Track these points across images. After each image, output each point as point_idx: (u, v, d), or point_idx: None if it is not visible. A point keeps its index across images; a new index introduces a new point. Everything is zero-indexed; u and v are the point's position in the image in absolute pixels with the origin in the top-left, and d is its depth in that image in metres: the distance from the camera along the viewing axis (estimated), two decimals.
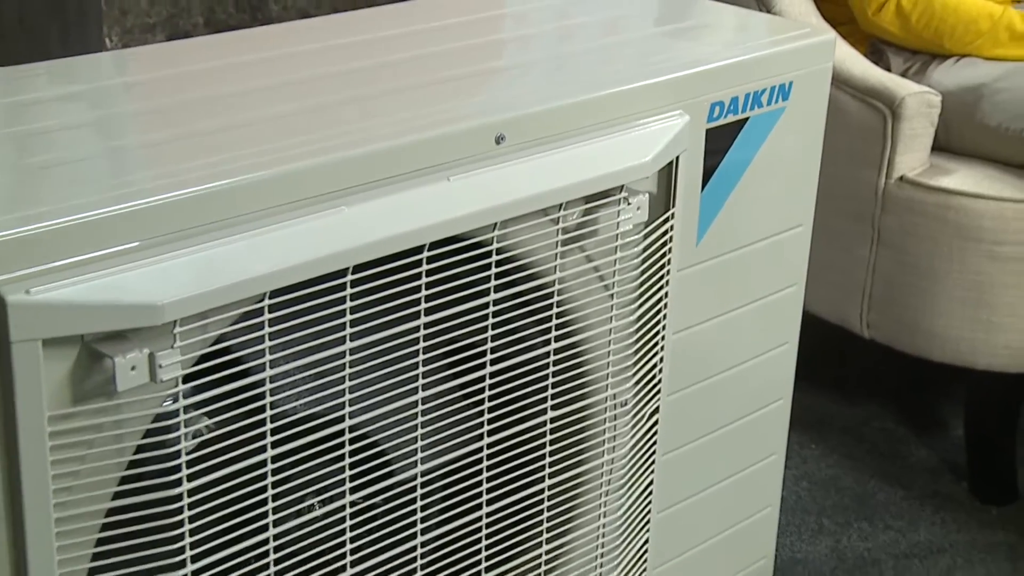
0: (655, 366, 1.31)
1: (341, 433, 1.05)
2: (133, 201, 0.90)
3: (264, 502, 1.02)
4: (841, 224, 1.85)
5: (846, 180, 1.82)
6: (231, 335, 0.98)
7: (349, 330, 1.02)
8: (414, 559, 1.15)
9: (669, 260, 1.27)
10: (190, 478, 0.96)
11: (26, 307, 0.85)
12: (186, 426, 0.95)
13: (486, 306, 1.12)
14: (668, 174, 1.24)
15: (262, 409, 0.99)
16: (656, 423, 1.34)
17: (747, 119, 1.33)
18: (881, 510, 1.87)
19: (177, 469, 0.95)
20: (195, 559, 0.98)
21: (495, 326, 1.13)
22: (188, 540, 0.97)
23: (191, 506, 0.96)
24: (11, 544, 0.90)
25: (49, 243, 0.86)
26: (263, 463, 1.01)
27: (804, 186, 1.43)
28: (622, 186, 1.18)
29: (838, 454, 2.00)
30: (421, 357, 1.08)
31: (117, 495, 0.95)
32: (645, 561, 1.39)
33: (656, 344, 1.30)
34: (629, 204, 1.19)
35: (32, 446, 0.88)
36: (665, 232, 1.26)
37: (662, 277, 1.27)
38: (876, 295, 1.84)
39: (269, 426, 0.99)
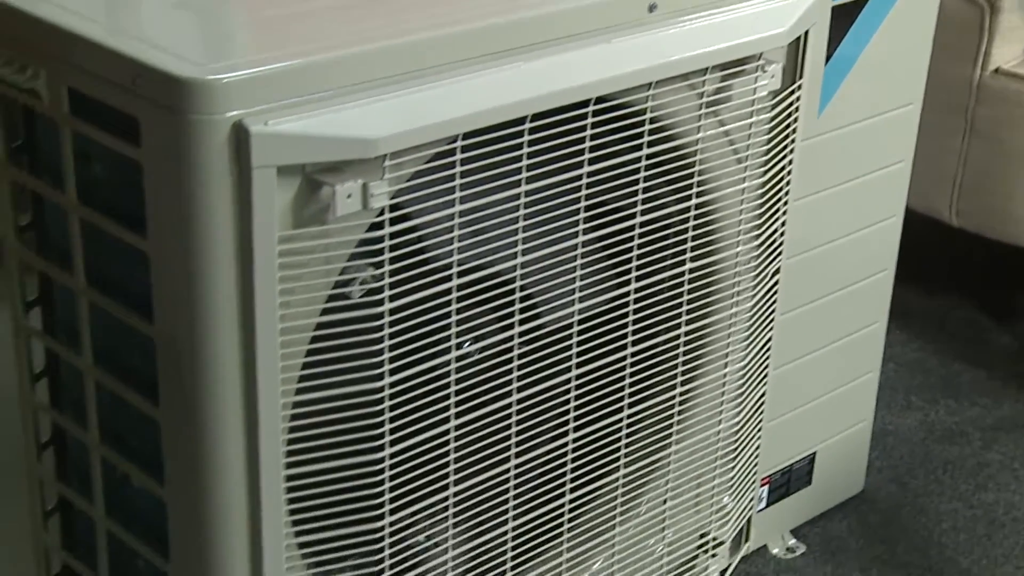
0: (777, 230, 1.42)
1: (513, 269, 1.18)
2: (357, 47, 1.02)
3: (449, 326, 1.14)
4: (933, 117, 1.94)
5: (940, 73, 1.90)
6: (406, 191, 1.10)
7: (526, 174, 1.14)
8: (568, 391, 1.27)
9: (795, 129, 1.38)
10: (392, 298, 1.08)
11: (265, 137, 0.97)
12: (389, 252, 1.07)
13: (637, 160, 1.23)
14: (797, 47, 1.34)
15: (450, 242, 1.12)
16: (776, 283, 1.45)
17: (868, 1, 1.43)
18: (966, 389, 1.98)
19: (380, 291, 1.08)
20: (391, 372, 1.11)
21: (645, 180, 1.24)
22: (387, 355, 1.10)
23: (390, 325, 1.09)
24: (242, 346, 1.03)
25: (284, 82, 0.98)
26: (449, 291, 1.13)
27: (916, 66, 1.53)
28: (760, 54, 1.28)
29: (922, 340, 2.10)
30: (583, 203, 1.20)
31: (325, 311, 1.07)
32: (762, 413, 1.51)
33: (779, 209, 1.41)
34: (765, 72, 1.29)
35: (265, 263, 1.00)
36: (792, 102, 1.36)
37: (788, 145, 1.38)
38: (967, 184, 1.94)
39: (456, 257, 1.12)
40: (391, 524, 1.16)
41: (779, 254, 1.44)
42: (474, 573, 1.28)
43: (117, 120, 0.99)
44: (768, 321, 1.46)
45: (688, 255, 1.32)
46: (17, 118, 1.11)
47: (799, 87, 1.36)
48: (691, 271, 1.34)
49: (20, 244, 1.16)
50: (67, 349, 1.17)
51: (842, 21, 1.41)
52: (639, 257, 1.28)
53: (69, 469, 1.26)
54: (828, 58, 1.41)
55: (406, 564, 1.22)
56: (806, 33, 1.34)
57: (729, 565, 1.52)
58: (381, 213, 1.06)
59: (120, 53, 0.97)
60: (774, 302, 1.46)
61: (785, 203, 1.42)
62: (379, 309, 1.08)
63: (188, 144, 0.95)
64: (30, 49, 1.04)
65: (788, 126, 1.38)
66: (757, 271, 1.41)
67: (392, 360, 1.10)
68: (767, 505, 1.60)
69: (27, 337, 1.20)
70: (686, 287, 1.33)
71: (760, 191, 1.38)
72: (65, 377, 1.23)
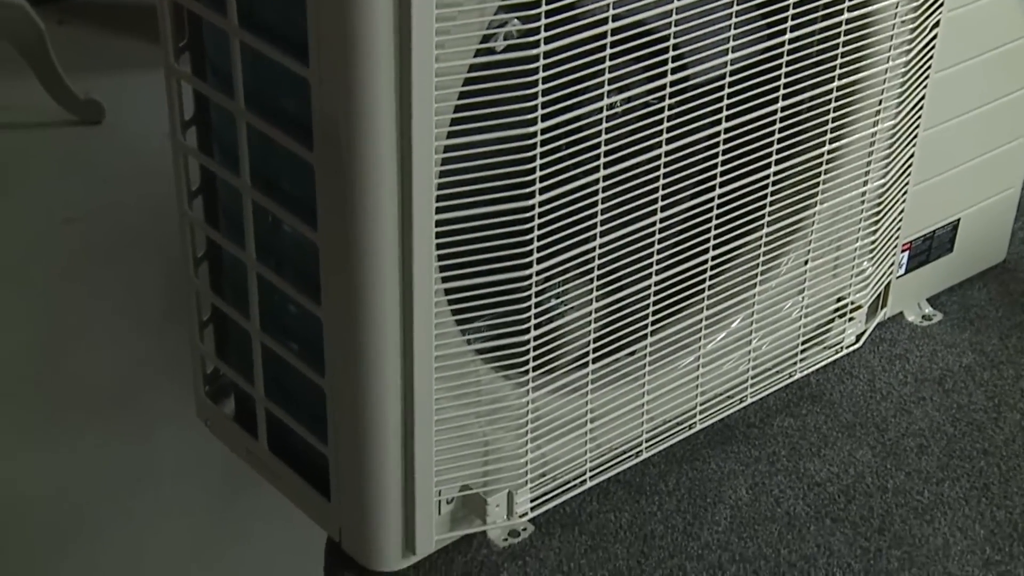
0: None
1: (667, 15, 1.14)
2: None
3: (600, 74, 1.11)
4: None
5: None
6: None
7: None
8: (717, 144, 1.24)
9: None
10: (546, 41, 1.05)
11: None
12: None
13: None
14: None
15: None
16: (935, 37, 1.39)
17: None
18: None
19: (536, 32, 1.05)
20: (543, 118, 1.09)
21: None
22: (541, 100, 1.08)
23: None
24: (398, 82, 1.01)
25: None
26: (602, 36, 1.10)
27: None
28: None
29: None
30: None
31: (479, 53, 1.05)
32: (908, 175, 1.47)
33: None
34: None
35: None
36: None
37: None
38: None
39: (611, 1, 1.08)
40: (538, 273, 1.17)
41: (940, 6, 1.37)
42: (616, 327, 1.29)
43: None
44: (923, 77, 1.41)
45: (846, 4, 1.27)
46: None
47: None
48: (847, 22, 1.28)
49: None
50: (218, 92, 1.17)
51: None
52: (794, 6, 1.23)
53: (220, 217, 1.28)
54: None
55: (548, 317, 1.23)
56: None
57: (865, 330, 1.51)
58: None
59: None
60: (931, 57, 1.40)
61: None
62: (533, 52, 1.06)
63: None
64: None
65: None
66: (916, 23, 1.35)
67: (545, 105, 1.08)
68: (906, 271, 1.57)
69: (178, 81, 1.20)
70: (842, 38, 1.28)
71: None
72: (215, 123, 1.23)
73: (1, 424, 1.59)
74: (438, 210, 1.09)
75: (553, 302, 1.25)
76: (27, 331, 1.72)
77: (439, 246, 1.11)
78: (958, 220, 1.59)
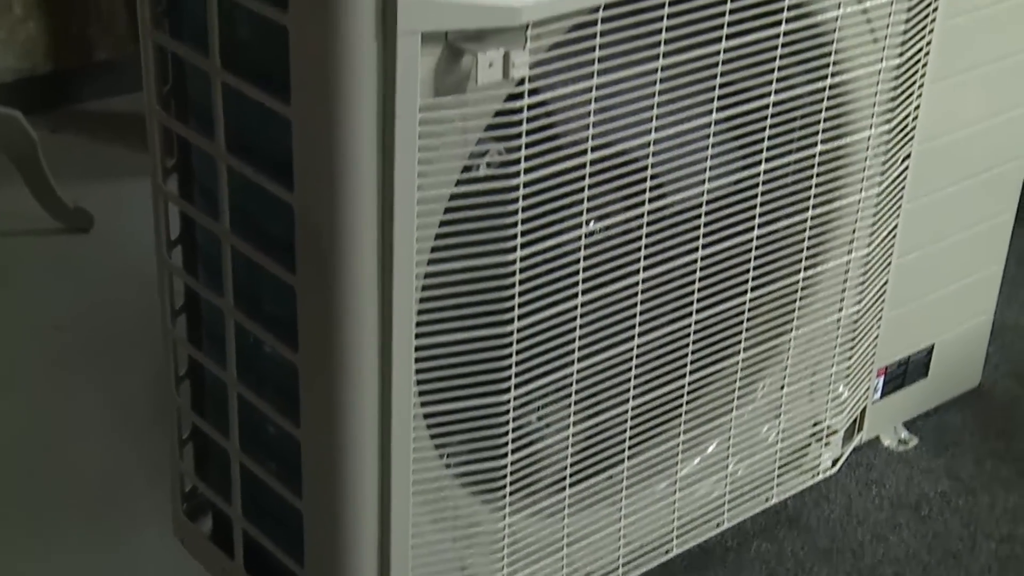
0: (910, 114, 1.39)
1: (643, 147, 1.17)
2: None
3: (578, 203, 1.14)
4: None
5: None
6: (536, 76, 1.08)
7: (663, 48, 1.12)
8: (694, 271, 1.27)
9: (936, 8, 1.34)
10: (526, 171, 1.08)
11: (412, 2, 0.96)
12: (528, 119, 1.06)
13: (775, 37, 1.20)
14: None
15: (583, 117, 1.11)
16: (907, 168, 1.42)
17: None
18: None
19: (514, 163, 1.08)
20: (522, 246, 1.11)
21: (780, 58, 1.22)
22: (520, 228, 1.10)
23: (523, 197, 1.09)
24: (380, 214, 1.03)
25: None
26: (580, 166, 1.13)
27: None
28: None
29: None
30: (718, 81, 1.18)
31: (459, 183, 1.08)
32: (882, 302, 1.49)
33: (914, 92, 1.38)
34: None
35: (406, 130, 1.00)
36: None
37: (928, 25, 1.34)
38: None
39: (591, 131, 1.11)
40: (516, 398, 1.18)
41: (911, 139, 1.41)
42: (593, 450, 1.30)
43: None
44: (895, 208, 1.44)
45: (819, 137, 1.30)
46: None
47: None
48: (821, 154, 1.31)
49: (161, 108, 1.17)
50: (205, 215, 1.19)
51: None
52: (770, 138, 1.26)
53: (203, 335, 1.29)
54: None
55: (526, 441, 1.24)
56: None
57: (841, 455, 1.52)
58: (519, 85, 1.05)
59: None
60: (903, 189, 1.43)
61: (920, 86, 1.38)
62: (514, 182, 1.08)
63: (336, 8, 0.95)
64: None
65: (929, 4, 1.34)
66: (887, 156, 1.39)
67: (524, 234, 1.11)
68: (882, 396, 1.59)
69: (165, 201, 1.22)
70: (815, 170, 1.31)
71: (895, 73, 1.34)
72: (201, 244, 1.25)
73: None
74: (417, 335, 1.11)
75: (535, 423, 1.26)
76: (10, 435, 1.72)
77: (418, 370, 1.13)
78: (932, 346, 1.62)
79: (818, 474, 1.50)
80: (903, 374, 1.60)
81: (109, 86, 2.50)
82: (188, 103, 1.17)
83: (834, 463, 1.51)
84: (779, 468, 1.47)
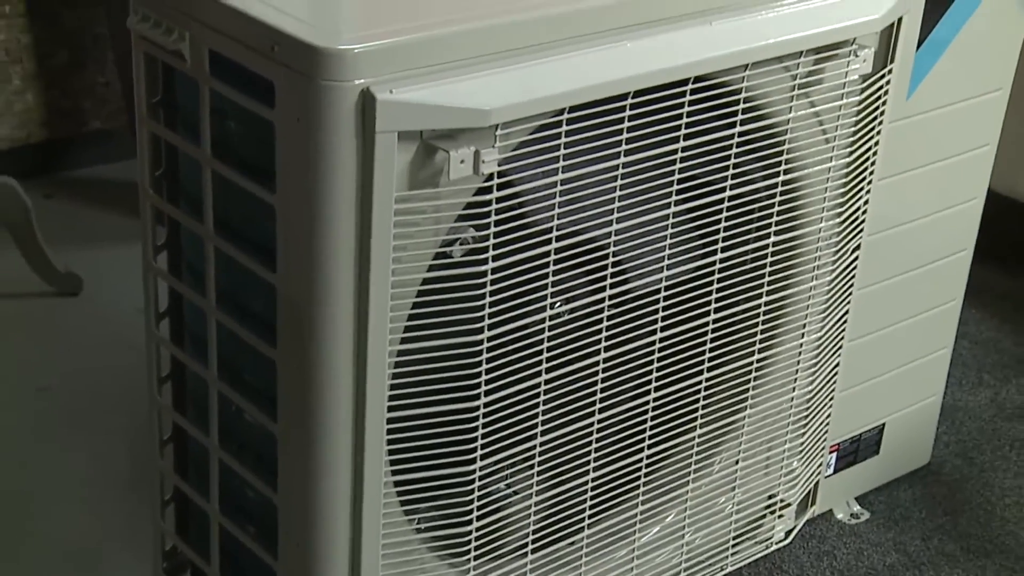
0: (860, 208, 1.48)
1: (607, 236, 1.25)
2: (474, 23, 1.10)
3: (544, 287, 1.22)
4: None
5: None
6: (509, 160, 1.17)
7: (624, 147, 1.21)
8: (652, 352, 1.34)
9: (883, 111, 1.43)
10: (494, 258, 1.16)
11: (390, 104, 1.05)
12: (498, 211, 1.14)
13: (730, 138, 1.29)
14: (890, 33, 1.39)
15: (549, 208, 1.19)
16: (856, 259, 1.51)
17: None
18: None
19: (483, 251, 1.16)
20: (490, 328, 1.19)
21: (735, 156, 1.31)
22: (488, 311, 1.18)
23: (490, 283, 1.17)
24: (356, 295, 1.11)
25: (408, 54, 1.06)
26: (546, 254, 1.21)
27: (1008, 52, 1.57)
28: (853, 39, 1.33)
29: (998, 319, 2.15)
30: (676, 176, 1.27)
31: (431, 268, 1.15)
32: (834, 383, 1.57)
33: (863, 188, 1.46)
34: (857, 56, 1.34)
35: (382, 219, 1.09)
36: (883, 86, 1.41)
37: (876, 127, 1.43)
38: None
39: (556, 223, 1.19)
40: (481, 468, 1.25)
41: (860, 231, 1.49)
42: (555, 518, 1.37)
43: (253, 82, 1.08)
44: (846, 294, 1.52)
45: (773, 229, 1.39)
46: (158, 76, 1.20)
47: (890, 71, 1.41)
48: (774, 244, 1.40)
49: (154, 191, 1.25)
50: (192, 290, 1.26)
51: (937, 5, 1.45)
52: (726, 229, 1.34)
53: (187, 402, 1.36)
54: (921, 42, 1.45)
55: (492, 507, 1.31)
56: (900, 19, 1.39)
57: (795, 527, 1.59)
58: (489, 179, 1.14)
59: (262, 22, 1.05)
60: (853, 277, 1.52)
61: (869, 183, 1.47)
62: (482, 268, 1.16)
63: (320, 107, 1.03)
64: (178, 13, 1.13)
65: (877, 109, 1.43)
66: (838, 246, 1.47)
67: (491, 316, 1.18)
68: (835, 471, 1.66)
69: (155, 277, 1.29)
70: (769, 259, 1.40)
71: (845, 170, 1.43)
72: (188, 318, 1.32)
73: None
74: (390, 408, 1.18)
75: (502, 491, 1.33)
76: None
77: (390, 441, 1.20)
78: (884, 424, 1.69)
79: (772, 545, 1.57)
80: (855, 451, 1.67)
81: (101, 154, 2.59)
82: (179, 187, 1.26)
83: (787, 534, 1.58)
84: (734, 538, 1.53)
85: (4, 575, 1.63)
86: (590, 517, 1.38)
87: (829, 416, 1.58)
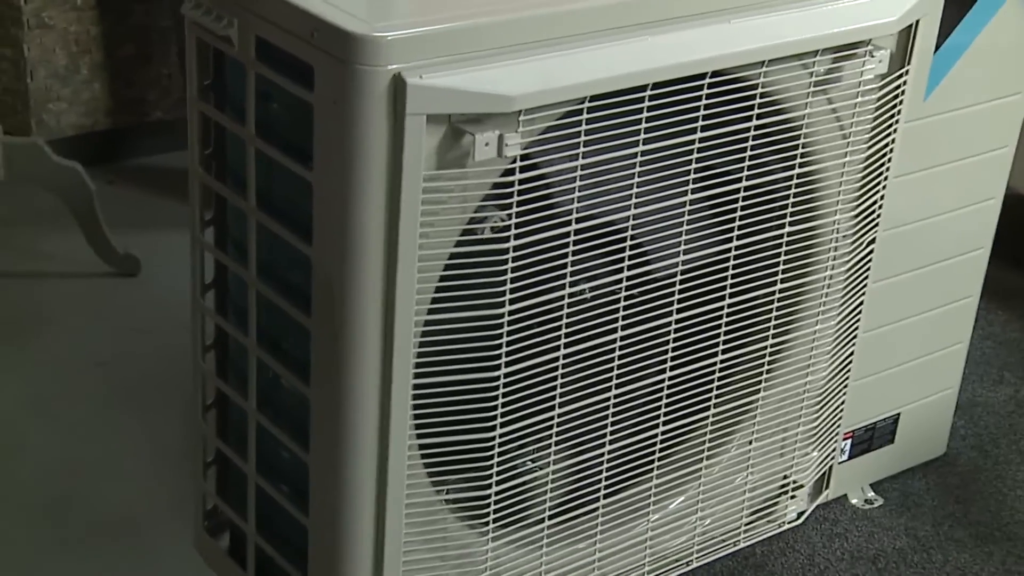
0: (876, 203, 1.54)
1: (626, 220, 1.32)
2: (502, 15, 1.18)
3: (565, 266, 1.29)
4: None
5: None
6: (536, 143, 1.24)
7: (643, 136, 1.28)
8: (668, 333, 1.41)
9: (899, 111, 1.49)
10: (516, 236, 1.24)
11: (419, 88, 1.13)
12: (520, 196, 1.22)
13: (748, 130, 1.36)
14: (908, 35, 1.45)
15: (571, 192, 1.27)
16: (871, 253, 1.57)
17: None
18: None
19: (507, 230, 1.23)
20: (511, 302, 1.27)
21: (752, 148, 1.37)
22: (509, 287, 1.25)
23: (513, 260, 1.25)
24: (386, 268, 1.19)
25: (438, 41, 1.14)
26: (567, 235, 1.28)
27: None
28: (869, 40, 1.40)
29: (1023, 321, 2.19)
30: (694, 166, 1.34)
31: (458, 244, 1.23)
32: (848, 372, 1.63)
33: (879, 184, 1.52)
34: (873, 56, 1.41)
35: (411, 197, 1.17)
36: (899, 86, 1.47)
37: (892, 125, 1.49)
38: None
39: (576, 205, 1.27)
40: (501, 436, 1.32)
41: (875, 226, 1.55)
42: (572, 488, 1.44)
43: (295, 67, 1.16)
44: (861, 286, 1.58)
45: (787, 219, 1.45)
46: (209, 61, 1.29)
47: (906, 72, 1.47)
48: (789, 234, 1.46)
49: (202, 169, 1.34)
50: (235, 263, 1.35)
51: (956, 9, 1.51)
52: (742, 218, 1.41)
53: (228, 369, 1.45)
54: (939, 45, 1.51)
55: (510, 475, 1.39)
56: (917, 22, 1.45)
57: (806, 509, 1.65)
58: (513, 161, 1.21)
59: (303, 9, 1.14)
60: (868, 269, 1.58)
61: (885, 179, 1.53)
62: (505, 245, 1.24)
63: (354, 90, 1.11)
64: (227, 2, 1.22)
65: (893, 108, 1.49)
66: (853, 240, 1.53)
67: (513, 291, 1.26)
68: (849, 457, 1.72)
69: (201, 250, 1.39)
70: (784, 248, 1.46)
71: (862, 166, 1.49)
72: (231, 289, 1.41)
73: (18, 540, 1.73)
74: (416, 375, 1.26)
75: (527, 463, 1.41)
76: (53, 460, 1.87)
77: (415, 406, 1.28)
78: (899, 414, 1.75)
79: (784, 524, 1.63)
80: (870, 439, 1.73)
81: (162, 144, 2.70)
82: (226, 165, 1.35)
83: (799, 516, 1.64)
84: (748, 516, 1.60)
85: (56, 539, 1.72)
86: (606, 489, 1.45)
87: (843, 403, 1.64)
